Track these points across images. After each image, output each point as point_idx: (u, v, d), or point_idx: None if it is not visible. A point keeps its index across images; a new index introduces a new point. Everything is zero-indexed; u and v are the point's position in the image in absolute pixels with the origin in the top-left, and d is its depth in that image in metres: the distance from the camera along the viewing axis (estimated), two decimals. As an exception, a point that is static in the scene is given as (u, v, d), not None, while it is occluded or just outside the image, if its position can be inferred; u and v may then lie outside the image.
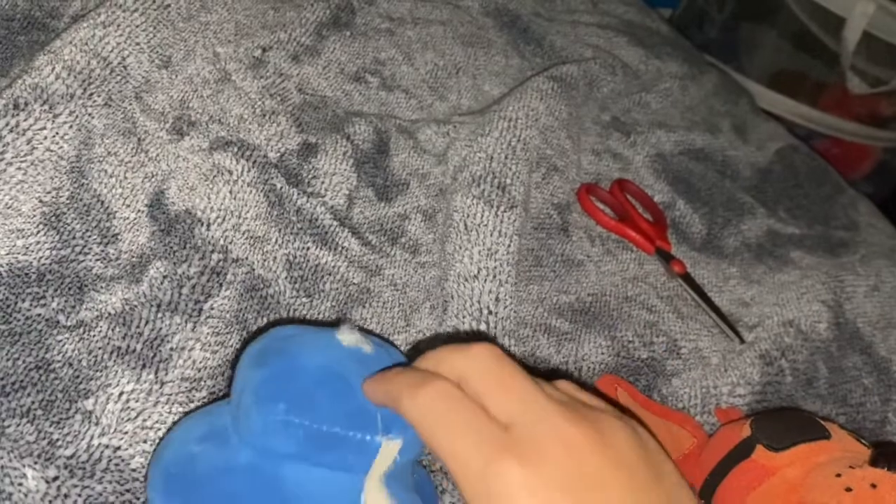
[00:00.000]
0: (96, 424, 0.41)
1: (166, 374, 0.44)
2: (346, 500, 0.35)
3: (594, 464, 0.31)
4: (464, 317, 0.51)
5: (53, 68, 0.52)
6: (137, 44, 0.58)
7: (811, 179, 0.86)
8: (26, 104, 0.49)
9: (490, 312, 0.52)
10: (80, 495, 0.38)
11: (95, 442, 0.40)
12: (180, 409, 0.43)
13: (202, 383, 0.44)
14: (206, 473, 0.36)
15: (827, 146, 1.43)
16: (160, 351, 0.45)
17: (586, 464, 0.31)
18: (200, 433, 0.38)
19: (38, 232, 0.47)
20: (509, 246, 0.56)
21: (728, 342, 0.62)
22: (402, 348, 0.52)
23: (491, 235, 0.56)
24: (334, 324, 0.41)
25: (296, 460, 0.35)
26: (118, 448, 0.40)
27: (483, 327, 0.51)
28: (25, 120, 0.49)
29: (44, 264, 0.46)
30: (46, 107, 0.50)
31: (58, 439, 0.39)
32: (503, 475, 0.30)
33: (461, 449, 0.31)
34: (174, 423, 0.41)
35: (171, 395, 0.43)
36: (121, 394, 0.42)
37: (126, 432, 0.41)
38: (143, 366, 0.44)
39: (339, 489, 0.35)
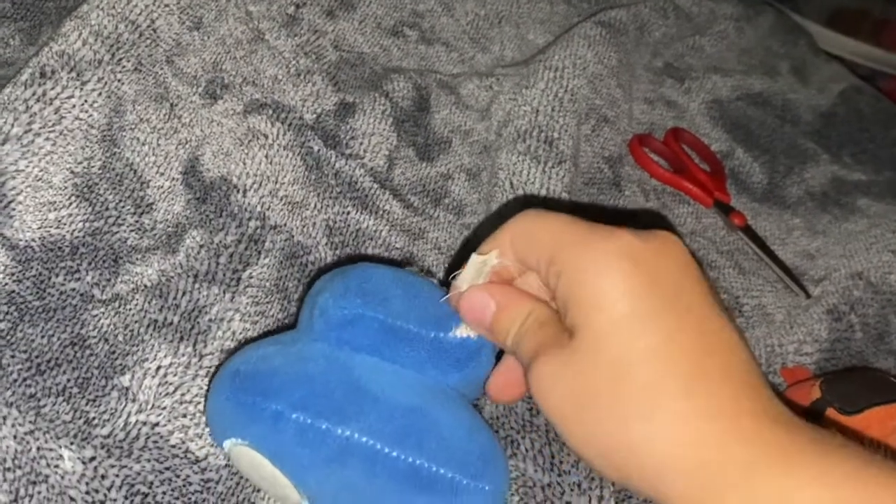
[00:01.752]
0: (133, 401, 0.39)
1: (205, 346, 0.42)
2: (416, 397, 0.35)
3: (690, 270, 0.30)
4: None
5: (80, 34, 0.50)
6: (167, 5, 0.56)
7: (877, 122, 0.81)
8: (53, 72, 0.48)
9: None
10: (117, 475, 0.37)
11: (133, 419, 0.39)
12: (220, 384, 0.41)
13: (242, 356, 0.43)
14: (282, 364, 0.35)
15: (892, 86, 1.36)
16: (198, 323, 0.43)
17: (685, 264, 0.30)
18: (270, 342, 0.38)
19: (71, 204, 0.45)
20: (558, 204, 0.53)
21: (793, 297, 0.59)
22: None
23: (538, 193, 0.53)
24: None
25: (370, 352, 0.36)
26: (156, 424, 0.39)
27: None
28: (53, 88, 0.47)
29: (77, 237, 0.44)
30: (74, 74, 0.48)
31: (94, 418, 0.38)
32: (610, 238, 0.30)
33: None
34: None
35: (210, 367, 0.42)
36: (158, 368, 0.41)
37: (164, 408, 0.40)
38: (181, 338, 0.42)
39: (410, 384, 0.35)
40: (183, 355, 0.42)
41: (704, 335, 0.28)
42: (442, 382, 0.36)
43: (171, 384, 0.41)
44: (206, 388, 0.41)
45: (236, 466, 0.36)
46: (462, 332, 0.36)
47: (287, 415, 0.33)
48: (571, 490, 0.40)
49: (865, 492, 0.24)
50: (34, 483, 0.36)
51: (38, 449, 0.37)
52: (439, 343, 0.36)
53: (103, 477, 0.37)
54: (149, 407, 0.39)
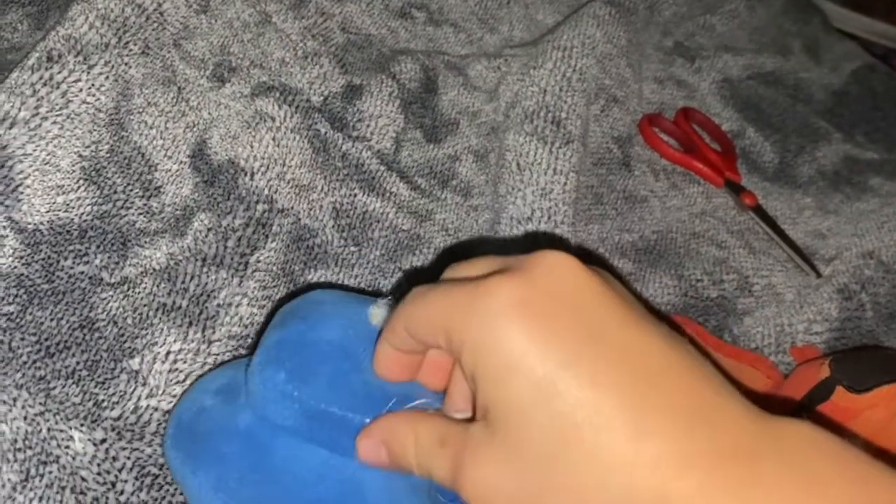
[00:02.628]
0: (143, 385, 0.40)
1: (213, 332, 0.43)
2: (336, 484, 0.33)
3: (592, 288, 0.26)
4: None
5: (87, 18, 0.50)
6: (173, -12, 0.56)
7: (890, 100, 0.80)
8: (60, 56, 0.48)
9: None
10: (128, 458, 0.37)
11: (143, 403, 0.39)
12: (228, 367, 0.41)
13: (249, 340, 0.43)
14: (208, 430, 0.35)
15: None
16: (206, 307, 0.43)
17: (584, 287, 0.26)
18: (218, 385, 0.37)
19: (79, 187, 0.46)
20: (565, 184, 0.53)
21: (803, 277, 0.59)
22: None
23: (545, 174, 0.53)
24: (377, 294, 0.39)
25: (290, 434, 0.33)
26: (167, 412, 0.39)
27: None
28: (59, 72, 0.47)
29: (85, 220, 0.45)
30: (81, 58, 0.48)
31: (103, 400, 0.38)
32: (496, 286, 0.26)
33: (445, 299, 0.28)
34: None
35: (218, 354, 0.42)
36: (168, 353, 0.41)
37: (175, 395, 0.40)
38: (190, 323, 0.42)
39: (331, 471, 0.33)
40: (192, 341, 0.42)
41: (632, 363, 0.25)
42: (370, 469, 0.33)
43: (180, 371, 0.41)
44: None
45: None
46: None
47: (205, 490, 0.33)
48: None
49: None
50: (45, 463, 0.36)
51: (49, 430, 0.37)
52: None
53: (114, 458, 0.37)
54: (160, 392, 0.40)
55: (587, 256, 0.52)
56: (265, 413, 0.34)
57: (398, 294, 0.32)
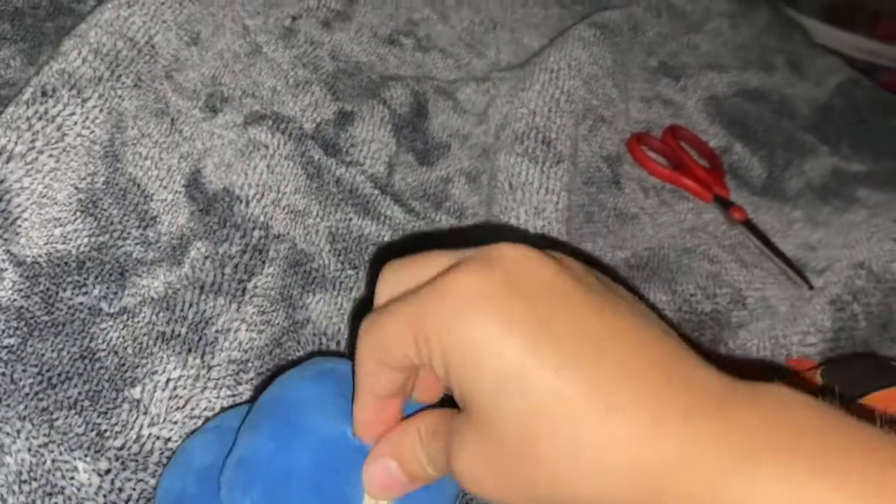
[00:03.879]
0: (145, 414, 0.40)
1: (213, 357, 0.43)
2: None
3: (548, 274, 0.26)
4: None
5: (80, 52, 0.51)
6: (164, 21, 0.57)
7: (875, 112, 0.81)
8: (54, 90, 0.48)
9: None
10: (134, 489, 0.37)
11: (146, 432, 0.39)
12: (228, 394, 0.42)
13: (249, 364, 0.43)
14: None
15: (890, 78, 1.36)
16: (205, 334, 0.44)
17: (541, 274, 0.26)
18: (203, 464, 0.35)
19: (76, 219, 0.46)
20: (557, 203, 0.54)
21: (796, 289, 0.59)
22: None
23: (538, 193, 0.54)
24: None
25: None
26: (168, 440, 0.39)
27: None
28: (54, 106, 0.48)
29: (83, 252, 0.45)
30: (74, 91, 0.49)
31: (106, 430, 0.39)
32: (452, 282, 0.26)
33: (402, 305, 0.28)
34: (194, 432, 0.39)
35: (218, 379, 0.42)
36: (168, 380, 0.41)
37: (175, 422, 0.40)
38: (189, 350, 0.43)
39: None
40: (192, 367, 0.42)
41: (594, 343, 0.25)
42: None
43: (181, 398, 0.41)
44: (214, 400, 0.41)
45: None
46: None
47: None
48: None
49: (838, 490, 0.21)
50: (50, 495, 0.36)
51: (53, 461, 0.37)
52: None
53: (120, 490, 0.37)
54: (161, 420, 0.40)
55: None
56: None
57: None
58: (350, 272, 0.50)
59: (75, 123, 0.48)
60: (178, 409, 0.40)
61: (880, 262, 0.61)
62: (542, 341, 0.25)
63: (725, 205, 0.65)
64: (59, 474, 0.37)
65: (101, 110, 0.50)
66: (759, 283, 0.59)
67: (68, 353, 0.41)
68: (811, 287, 0.59)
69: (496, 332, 0.25)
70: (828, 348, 0.55)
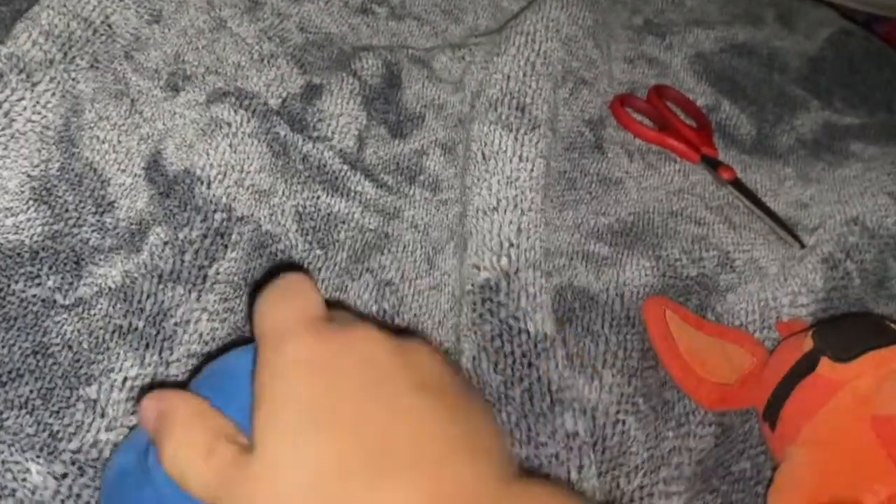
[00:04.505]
0: (102, 416, 0.38)
1: (171, 353, 0.41)
2: None
3: (372, 354, 0.28)
4: (483, 253, 0.47)
5: (30, 35, 0.49)
6: (122, 1, 0.55)
7: (869, 64, 0.78)
8: (1, 75, 0.46)
9: (511, 245, 0.47)
10: (92, 496, 0.36)
11: (103, 437, 0.37)
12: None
13: (209, 356, 0.41)
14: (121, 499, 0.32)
15: (889, 30, 1.32)
16: (163, 327, 0.42)
17: (366, 353, 0.28)
18: (145, 441, 0.32)
19: (28, 208, 0.44)
20: (532, 171, 0.52)
21: (787, 248, 0.57)
22: (427, 292, 0.49)
23: (511, 162, 0.52)
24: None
25: None
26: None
27: (504, 262, 0.46)
28: (1, 92, 0.46)
29: (36, 241, 0.43)
30: (23, 76, 0.47)
31: (58, 431, 0.37)
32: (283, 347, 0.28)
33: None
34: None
35: (177, 375, 0.40)
36: (125, 379, 0.39)
37: (133, 426, 0.38)
38: (147, 345, 0.41)
39: None
40: (149, 364, 0.40)
41: (378, 431, 0.26)
42: None
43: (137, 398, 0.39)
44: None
45: None
46: None
47: None
48: (549, 462, 0.39)
49: None
50: (0, 497, 0.35)
51: (3, 462, 0.36)
52: None
53: (78, 496, 0.36)
54: (118, 425, 0.38)
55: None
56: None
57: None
58: (318, 252, 0.48)
59: (24, 109, 0.46)
60: (134, 413, 0.38)
61: (874, 217, 0.58)
62: (317, 422, 0.26)
63: (714, 165, 0.62)
64: (9, 476, 0.35)
65: (53, 94, 0.48)
66: (748, 244, 0.57)
67: (20, 348, 0.39)
68: (802, 245, 0.57)
69: (294, 399, 0.26)
70: (820, 309, 0.53)
